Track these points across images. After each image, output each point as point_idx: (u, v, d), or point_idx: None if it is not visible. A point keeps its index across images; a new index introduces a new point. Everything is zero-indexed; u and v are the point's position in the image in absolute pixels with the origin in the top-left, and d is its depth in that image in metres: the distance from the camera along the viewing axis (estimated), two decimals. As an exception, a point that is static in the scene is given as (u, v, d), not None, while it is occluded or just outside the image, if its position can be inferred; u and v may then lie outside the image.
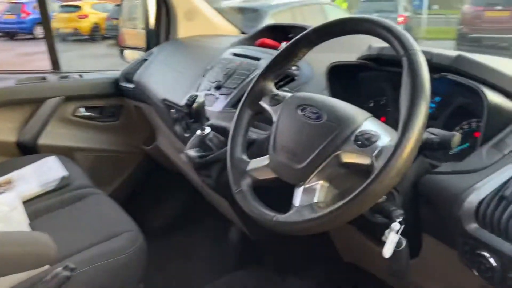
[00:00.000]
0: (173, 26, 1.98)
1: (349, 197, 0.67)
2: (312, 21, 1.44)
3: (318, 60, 1.13)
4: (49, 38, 1.91)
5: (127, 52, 2.25)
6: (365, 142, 0.72)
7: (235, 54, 1.37)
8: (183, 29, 1.97)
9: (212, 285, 1.53)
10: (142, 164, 2.05)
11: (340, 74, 1.07)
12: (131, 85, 1.83)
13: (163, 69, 1.70)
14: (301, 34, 0.89)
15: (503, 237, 0.67)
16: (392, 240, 0.74)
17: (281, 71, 0.95)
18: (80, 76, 1.93)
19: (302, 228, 0.73)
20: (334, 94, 1.01)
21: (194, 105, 1.06)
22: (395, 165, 0.64)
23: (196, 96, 1.07)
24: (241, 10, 6.69)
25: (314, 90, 1.02)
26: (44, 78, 1.86)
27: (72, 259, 1.06)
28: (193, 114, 1.08)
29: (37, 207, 1.34)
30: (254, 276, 1.54)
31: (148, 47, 2.04)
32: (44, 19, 1.97)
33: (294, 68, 1.17)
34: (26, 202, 1.37)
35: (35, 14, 15.77)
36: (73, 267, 1.00)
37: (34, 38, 14.50)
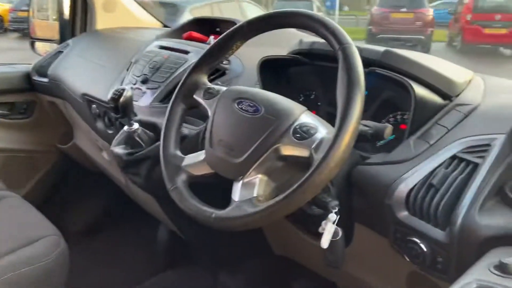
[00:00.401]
0: (90, 17, 1.87)
1: (290, 190, 0.67)
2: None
3: (248, 54, 1.12)
4: None
5: (38, 45, 2.09)
6: (304, 134, 0.72)
7: (162, 47, 1.32)
8: (102, 21, 1.87)
9: (140, 287, 1.48)
10: (58, 163, 1.91)
11: (271, 69, 1.07)
12: (44, 79, 1.70)
13: (81, 62, 1.60)
14: (235, 27, 0.88)
15: (433, 224, 0.71)
16: (329, 230, 0.76)
17: (214, 64, 0.93)
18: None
19: (243, 223, 0.72)
20: (265, 88, 1.01)
21: (121, 99, 1.01)
22: (334, 157, 0.65)
23: (123, 90, 1.02)
24: (161, 4, 6.54)
25: (246, 84, 1.01)
26: None
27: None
28: (120, 109, 1.02)
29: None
30: (184, 276, 1.51)
31: (62, 39, 1.91)
32: None
33: (224, 62, 1.16)
34: None
35: None
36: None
37: None
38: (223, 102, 0.84)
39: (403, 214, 0.75)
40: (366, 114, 0.97)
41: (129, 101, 1.02)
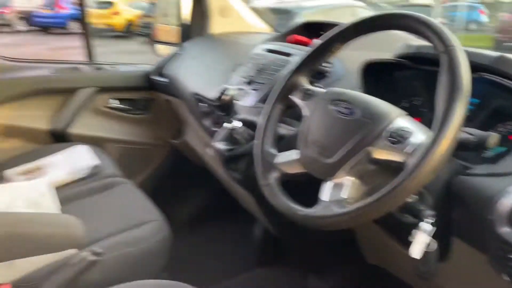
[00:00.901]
0: (206, 22, 2.00)
1: (380, 193, 0.66)
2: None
3: (350, 58, 1.12)
4: (86, 31, 1.96)
5: (159, 47, 2.28)
6: (398, 138, 0.70)
7: (268, 50, 1.37)
8: (216, 25, 1.99)
9: (231, 281, 1.54)
10: (169, 157, 2.07)
11: (374, 72, 1.05)
12: (162, 79, 1.86)
13: (194, 63, 1.72)
14: (338, 30, 0.88)
15: (538, 243, 0.65)
16: (421, 240, 0.73)
17: (315, 66, 0.95)
18: (113, 68, 1.97)
19: (329, 223, 0.73)
20: (367, 93, 1.00)
21: (225, 97, 1.07)
22: (429, 162, 0.63)
23: (228, 89, 1.08)
24: (274, 10, 6.72)
25: (347, 87, 1.01)
26: (77, 69, 1.90)
27: (98, 244, 1.07)
28: (224, 106, 1.08)
29: (67, 194, 1.37)
30: (274, 274, 1.54)
31: (181, 42, 2.06)
32: (82, 13, 2.02)
33: (327, 65, 1.16)
34: (57, 189, 1.40)
35: (70, 9, 16.19)
36: (99, 251, 1.01)
37: (67, 33, 14.86)
38: (320, 104, 0.85)
39: (505, 230, 0.69)
40: (472, 122, 0.91)
41: (232, 100, 1.08)
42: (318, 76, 1.18)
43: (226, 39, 1.84)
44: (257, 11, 2.14)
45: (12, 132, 1.79)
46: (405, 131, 0.71)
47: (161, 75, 1.87)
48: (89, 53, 2.01)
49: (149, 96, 1.98)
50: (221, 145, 1.13)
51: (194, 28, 2.03)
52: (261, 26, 2.05)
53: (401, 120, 0.74)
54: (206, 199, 2.03)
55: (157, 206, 1.32)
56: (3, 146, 1.77)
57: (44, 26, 15.73)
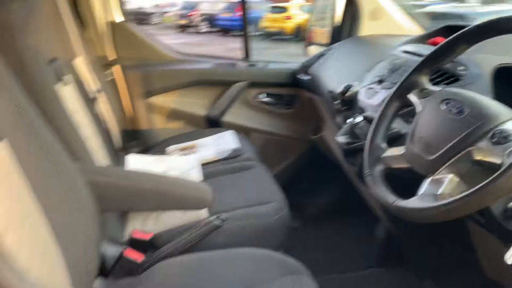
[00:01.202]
0: (356, 25, 2.05)
1: (471, 190, 0.67)
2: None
3: (487, 61, 1.07)
4: (245, 33, 2.19)
5: (310, 48, 2.40)
6: (501, 140, 0.69)
7: (404, 51, 1.38)
8: (366, 28, 2.02)
9: (346, 275, 1.57)
10: (307, 152, 2.18)
11: (506, 78, 1.00)
12: (306, 77, 1.97)
13: (336, 63, 1.79)
14: (462, 30, 0.88)
15: None
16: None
17: (436, 66, 0.95)
18: (264, 65, 2.16)
19: (420, 215, 0.75)
20: (497, 97, 0.96)
21: (348, 93, 1.13)
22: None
23: (351, 85, 1.14)
24: (444, 15, 6.35)
25: (480, 91, 0.98)
26: (235, 65, 2.13)
27: (225, 213, 1.24)
28: (346, 102, 1.15)
29: (210, 170, 1.58)
30: (391, 275, 1.52)
31: (331, 44, 2.15)
32: (243, 16, 2.25)
33: (461, 68, 1.13)
34: (203, 165, 1.62)
35: (249, 13, 17.46)
36: (224, 218, 1.17)
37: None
38: (432, 102, 0.86)
39: None
40: None
41: (354, 96, 1.13)
42: (451, 78, 1.15)
43: (371, 41, 1.87)
44: (415, 14, 2.10)
45: (176, 115, 2.10)
46: (509, 133, 0.69)
47: (306, 73, 1.99)
48: (246, 52, 2.23)
49: (294, 92, 2.12)
50: (342, 139, 1.19)
51: (344, 30, 2.10)
52: (414, 30, 2.02)
53: (511, 124, 0.72)
54: (336, 195, 2.08)
55: (288, 195, 1.43)
56: (168, 126, 2.09)
57: (224, 28, 17.15)
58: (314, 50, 2.36)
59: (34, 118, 0.88)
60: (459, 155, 0.74)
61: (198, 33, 17.19)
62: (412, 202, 0.77)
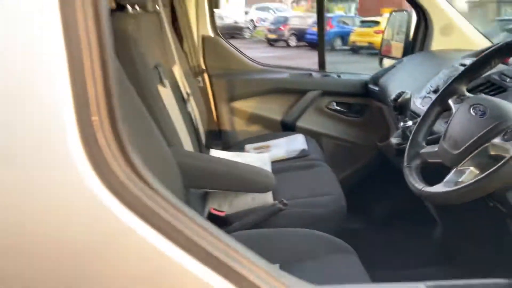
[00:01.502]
0: (428, 39, 2.16)
1: (481, 175, 0.81)
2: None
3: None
4: (320, 46, 2.39)
5: (385, 61, 2.53)
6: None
7: (462, 64, 1.49)
8: (437, 42, 2.12)
9: (403, 272, 1.68)
10: (374, 158, 2.30)
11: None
12: (376, 88, 2.12)
13: (403, 74, 1.92)
14: (495, 47, 1.01)
15: None
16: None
17: (474, 77, 1.09)
18: (338, 76, 2.33)
19: (440, 197, 0.90)
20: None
21: (400, 100, 1.28)
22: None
23: (403, 92, 1.29)
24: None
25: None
26: (310, 75, 2.34)
27: (287, 200, 1.44)
28: (398, 107, 1.30)
29: (279, 167, 1.79)
30: (445, 274, 1.61)
31: (403, 57, 2.27)
32: (319, 29, 2.45)
33: (508, 80, 1.24)
34: (274, 162, 1.84)
35: (337, 28, 17.53)
36: (286, 203, 1.37)
37: (332, 49, 16.12)
38: (463, 106, 1.00)
39: None
40: None
41: (406, 102, 1.28)
42: (497, 90, 1.26)
43: (438, 54, 1.97)
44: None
45: (255, 119, 2.35)
46: None
47: (376, 84, 2.14)
48: (321, 63, 2.42)
49: (364, 102, 2.27)
50: (394, 140, 1.34)
51: (416, 45, 2.22)
52: (485, 43, 2.08)
53: None
54: (399, 199, 2.18)
55: (354, 198, 1.59)
56: (248, 128, 2.34)
57: (312, 42, 17.29)
58: (388, 63, 2.49)
59: (142, 110, 1.15)
60: (478, 150, 0.88)
61: (287, 47, 17.54)
62: (436, 188, 0.92)
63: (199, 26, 2.29)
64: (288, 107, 2.32)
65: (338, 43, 16.99)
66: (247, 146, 2.05)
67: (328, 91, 2.29)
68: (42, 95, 0.52)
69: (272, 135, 2.16)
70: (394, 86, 1.88)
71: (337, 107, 2.33)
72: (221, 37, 2.39)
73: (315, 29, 15.81)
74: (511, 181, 0.80)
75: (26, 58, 0.52)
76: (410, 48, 2.27)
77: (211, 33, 2.35)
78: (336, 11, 23.17)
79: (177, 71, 1.78)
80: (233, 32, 18.79)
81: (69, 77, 0.51)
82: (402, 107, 1.30)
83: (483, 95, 1.02)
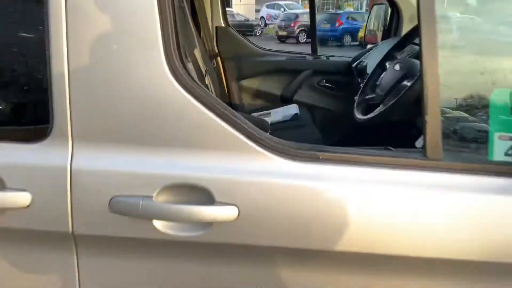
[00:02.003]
0: (399, 27, 2.65)
1: (386, 106, 1.31)
2: None
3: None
4: (312, 32, 2.89)
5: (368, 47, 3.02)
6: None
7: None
8: (406, 29, 2.61)
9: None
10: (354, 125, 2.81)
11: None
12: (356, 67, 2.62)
13: (376, 55, 2.41)
14: (415, 26, 1.51)
15: None
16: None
17: (403, 46, 1.59)
18: (327, 58, 2.84)
19: (369, 121, 1.40)
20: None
21: (358, 66, 1.79)
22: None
23: (362, 61, 1.80)
24: None
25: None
26: (304, 57, 2.85)
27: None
28: (357, 72, 1.81)
29: (277, 126, 2.30)
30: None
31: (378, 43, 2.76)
32: (311, 19, 2.96)
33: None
34: (273, 124, 2.35)
35: (346, 24, 17.90)
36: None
37: (341, 46, 16.49)
38: (392, 64, 1.51)
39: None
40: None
41: (363, 68, 1.79)
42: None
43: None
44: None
45: (259, 94, 2.86)
46: None
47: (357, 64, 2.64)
48: (313, 48, 2.93)
49: (348, 79, 2.76)
50: (356, 97, 1.84)
51: (391, 31, 2.72)
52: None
53: None
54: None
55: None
56: (253, 102, 2.86)
57: (321, 38, 17.57)
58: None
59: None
60: (393, 90, 1.39)
61: (297, 43, 17.94)
62: (367, 116, 1.43)
63: (213, 19, 2.80)
64: (286, 84, 2.83)
65: (347, 39, 17.37)
66: (253, 114, 2.57)
67: (318, 70, 2.79)
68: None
69: (273, 107, 2.67)
70: (369, 64, 2.38)
71: (326, 84, 2.83)
72: (231, 27, 2.91)
73: (325, 25, 16.10)
74: (407, 108, 1.30)
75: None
76: (386, 34, 2.77)
77: (223, 24, 2.87)
78: (346, 8, 23.44)
79: (197, 53, 2.30)
80: (245, 29, 19.24)
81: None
82: (360, 71, 1.81)
83: (406, 58, 1.51)
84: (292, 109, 2.50)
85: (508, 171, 1.01)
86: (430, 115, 0.99)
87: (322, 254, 0.99)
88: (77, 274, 1.02)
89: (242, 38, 2.90)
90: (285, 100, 2.82)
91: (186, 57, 1.96)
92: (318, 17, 19.29)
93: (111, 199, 0.95)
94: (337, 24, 17.71)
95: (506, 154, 1.06)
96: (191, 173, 0.97)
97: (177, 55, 0.96)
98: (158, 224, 0.97)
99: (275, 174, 0.97)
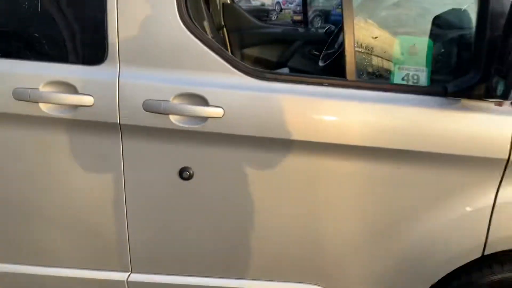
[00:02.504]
0: None
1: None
2: None
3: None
4: (304, 9, 3.41)
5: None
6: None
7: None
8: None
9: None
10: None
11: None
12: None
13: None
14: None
15: None
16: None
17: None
18: (316, 30, 3.36)
19: (322, 70, 1.95)
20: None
21: (327, 31, 2.33)
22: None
23: (331, 26, 2.33)
24: None
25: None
26: (297, 29, 3.39)
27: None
28: (326, 34, 2.34)
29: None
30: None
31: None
32: (303, 3, 3.48)
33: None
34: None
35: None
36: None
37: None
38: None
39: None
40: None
41: (331, 31, 2.32)
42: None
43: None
44: None
45: (258, 61, 3.41)
46: None
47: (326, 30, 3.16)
48: (305, 21, 3.46)
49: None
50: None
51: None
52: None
53: None
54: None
55: None
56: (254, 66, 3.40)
57: (336, 22, 17.78)
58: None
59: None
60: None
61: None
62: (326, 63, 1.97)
63: (221, -4, 3.36)
64: (282, 52, 3.37)
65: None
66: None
67: (309, 41, 3.33)
68: None
69: (270, 70, 3.23)
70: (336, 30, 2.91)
71: (315, 52, 3.35)
72: (235, 3, 3.45)
73: (339, 10, 16.38)
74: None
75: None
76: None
77: (229, 1, 3.42)
78: (360, -7, 23.53)
79: (206, 24, 2.85)
80: (260, 14, 19.61)
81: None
82: (328, 34, 2.34)
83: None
84: (284, 72, 3.04)
85: (402, 89, 1.55)
86: (348, 54, 1.54)
87: (280, 141, 1.54)
88: (121, 152, 1.61)
89: (244, 13, 3.45)
90: (279, 66, 3.37)
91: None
92: (334, 2, 19.56)
93: (143, 101, 1.53)
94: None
95: (402, 79, 1.61)
96: (194, 86, 1.54)
97: (186, 12, 1.53)
98: (173, 118, 1.54)
99: (246, 88, 1.53)
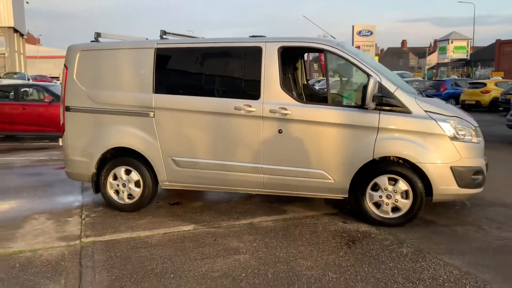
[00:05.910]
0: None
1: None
2: None
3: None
4: (327, 78, 6.93)
5: None
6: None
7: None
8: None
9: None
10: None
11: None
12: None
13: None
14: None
15: None
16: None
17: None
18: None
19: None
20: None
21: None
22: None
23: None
24: None
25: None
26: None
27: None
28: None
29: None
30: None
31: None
32: (326, 79, 7.00)
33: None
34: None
35: (450, 89, 20.55)
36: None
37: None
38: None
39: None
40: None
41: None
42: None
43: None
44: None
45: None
46: None
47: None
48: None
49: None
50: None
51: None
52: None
53: None
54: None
55: None
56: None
57: None
58: None
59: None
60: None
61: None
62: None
63: (301, 79, 6.89)
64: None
65: (451, 102, 19.93)
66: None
67: None
68: None
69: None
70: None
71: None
72: (309, 84, 6.91)
73: (431, 90, 19.55)
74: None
75: None
76: None
77: (305, 82, 6.91)
78: (451, 76, 26.24)
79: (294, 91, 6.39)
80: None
81: None
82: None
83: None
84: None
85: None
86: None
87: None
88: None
89: (314, 89, 6.89)
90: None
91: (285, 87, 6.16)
92: (427, 83, 22.27)
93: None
94: (441, 90, 20.48)
95: (345, 105, 5.05)
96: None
97: (282, 84, 5.10)
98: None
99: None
